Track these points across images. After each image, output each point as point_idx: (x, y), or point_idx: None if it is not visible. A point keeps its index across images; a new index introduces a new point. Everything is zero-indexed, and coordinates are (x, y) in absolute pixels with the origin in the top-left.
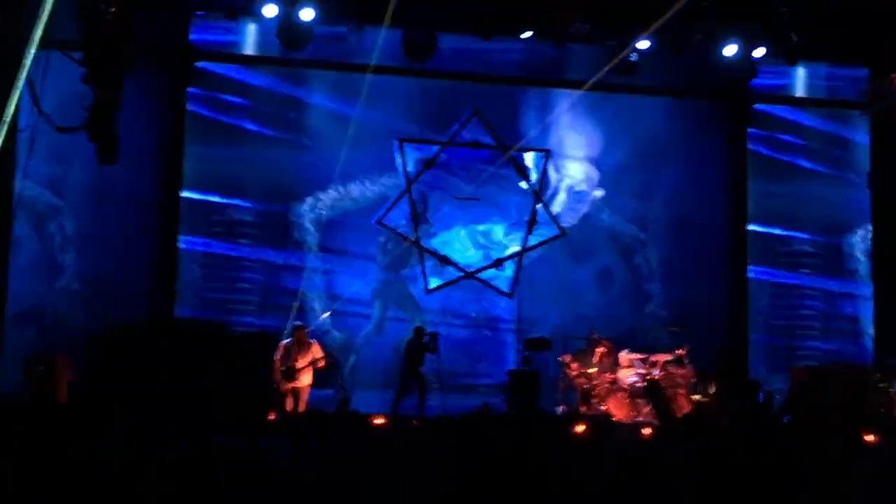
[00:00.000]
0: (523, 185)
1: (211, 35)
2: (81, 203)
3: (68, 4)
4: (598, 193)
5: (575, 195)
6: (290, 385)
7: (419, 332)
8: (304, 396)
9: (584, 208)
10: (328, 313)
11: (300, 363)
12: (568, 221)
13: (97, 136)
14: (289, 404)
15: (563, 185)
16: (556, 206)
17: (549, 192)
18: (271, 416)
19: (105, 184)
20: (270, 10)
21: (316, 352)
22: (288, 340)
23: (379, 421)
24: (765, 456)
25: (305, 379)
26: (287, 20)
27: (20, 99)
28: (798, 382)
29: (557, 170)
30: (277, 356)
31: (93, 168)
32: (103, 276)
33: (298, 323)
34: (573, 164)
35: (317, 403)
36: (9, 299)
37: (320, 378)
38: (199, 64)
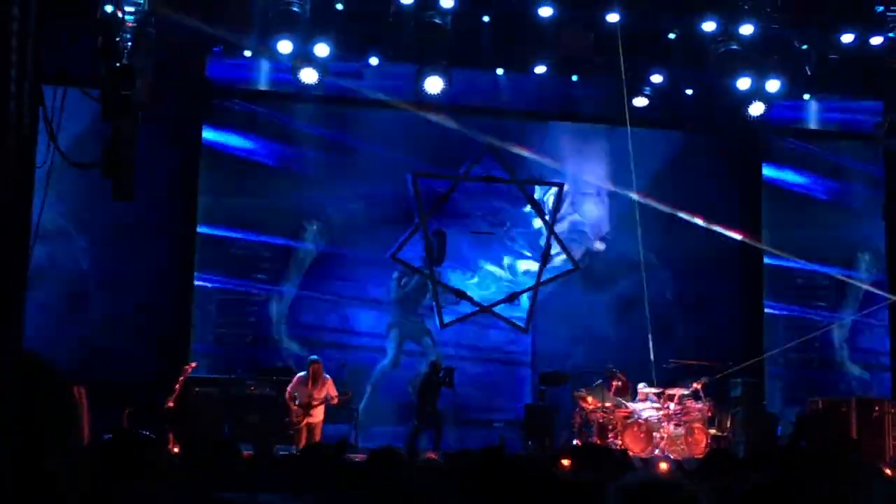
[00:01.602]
0: (537, 219)
1: (227, 71)
2: (98, 239)
3: (86, 41)
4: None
5: (588, 229)
6: (305, 420)
7: (434, 366)
8: (318, 431)
9: (597, 243)
10: (343, 365)
11: (315, 399)
12: (581, 255)
13: (113, 173)
14: (303, 439)
15: (576, 219)
16: (569, 240)
17: (563, 225)
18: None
19: (121, 220)
20: (285, 47)
21: (331, 388)
22: (303, 374)
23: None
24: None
25: (319, 414)
26: (302, 56)
27: (37, 135)
28: (812, 413)
29: (571, 204)
30: (289, 388)
31: (109, 204)
32: (120, 312)
33: (314, 357)
34: (587, 197)
35: (330, 439)
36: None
37: (335, 413)
38: (215, 100)
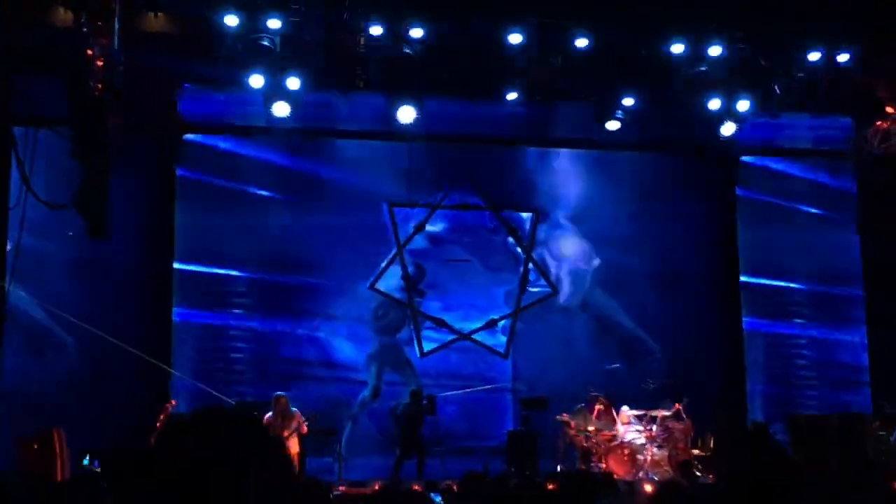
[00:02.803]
0: (513, 245)
1: (199, 106)
2: (74, 277)
3: (55, 81)
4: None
5: (564, 255)
6: None
7: (416, 395)
8: (296, 463)
9: (574, 267)
10: (322, 397)
11: (286, 432)
12: (559, 280)
13: (87, 212)
14: None
15: (551, 244)
16: (547, 265)
17: (539, 251)
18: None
19: (97, 258)
20: (257, 81)
21: (298, 419)
22: (270, 414)
23: None
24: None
25: (294, 446)
26: (274, 90)
27: (10, 175)
28: (794, 429)
29: (546, 229)
30: None
31: (84, 243)
32: (98, 351)
33: (280, 393)
34: (563, 221)
35: (314, 472)
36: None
37: (317, 446)
38: (188, 136)
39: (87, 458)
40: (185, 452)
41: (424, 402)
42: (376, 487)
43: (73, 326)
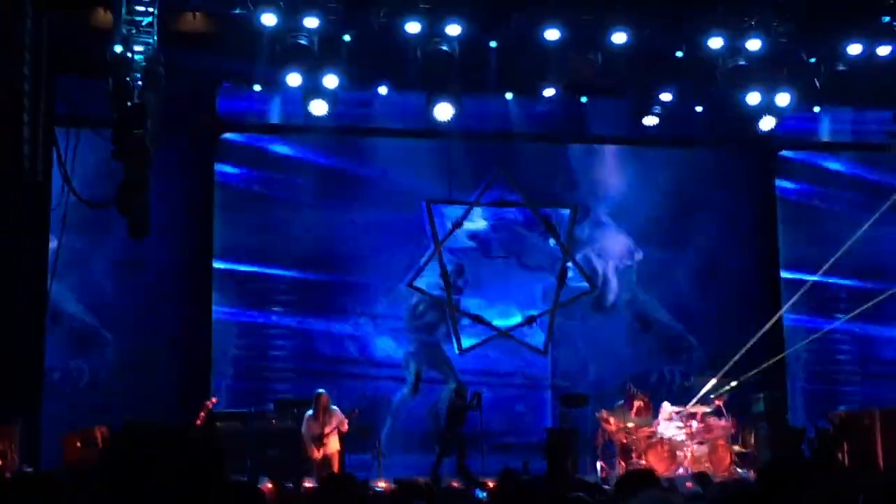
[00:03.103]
0: (552, 241)
1: (237, 105)
2: (115, 276)
3: (97, 82)
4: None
5: (607, 252)
6: (321, 452)
7: (460, 392)
8: (335, 462)
9: (615, 263)
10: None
11: (326, 429)
12: (599, 276)
13: (128, 211)
14: (322, 471)
15: (594, 241)
16: (586, 261)
17: (582, 249)
18: (309, 484)
19: (138, 256)
20: (294, 79)
21: (338, 416)
22: (310, 411)
23: None
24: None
25: (333, 444)
26: (311, 88)
27: (52, 176)
28: (835, 426)
29: (586, 225)
30: (303, 428)
31: (125, 242)
32: (139, 349)
33: (321, 390)
34: (602, 217)
35: (353, 468)
36: (45, 373)
37: (357, 443)
38: (226, 135)
39: None
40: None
41: (469, 398)
42: (420, 482)
43: (114, 325)
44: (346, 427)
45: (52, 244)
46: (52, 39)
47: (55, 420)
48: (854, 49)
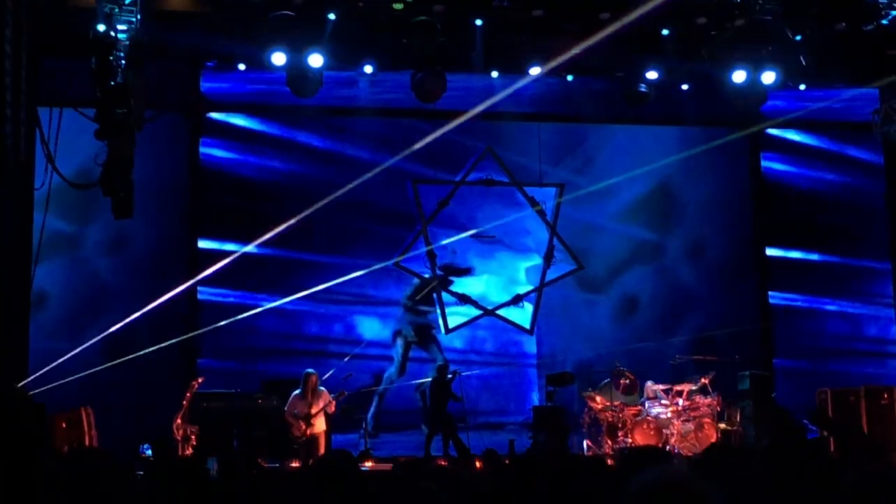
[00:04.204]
0: (538, 220)
1: (222, 84)
2: (99, 257)
3: (80, 61)
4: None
5: (588, 228)
6: (308, 432)
7: (442, 370)
8: (322, 442)
9: (601, 241)
10: (349, 375)
11: (314, 409)
12: (585, 255)
13: (112, 191)
14: (308, 451)
15: (576, 219)
16: (572, 240)
17: (565, 226)
18: (295, 464)
19: (122, 237)
20: (279, 59)
21: (326, 398)
22: (298, 391)
23: None
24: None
25: (320, 425)
26: (296, 67)
27: (35, 156)
28: (820, 404)
29: (571, 203)
30: (287, 407)
31: (110, 222)
32: (124, 330)
33: (310, 370)
34: (588, 196)
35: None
36: (30, 356)
37: (344, 423)
38: (211, 114)
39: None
40: None
41: (450, 376)
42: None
43: (99, 306)
44: (332, 409)
45: (36, 224)
46: (35, 19)
47: (39, 402)
48: (839, 26)
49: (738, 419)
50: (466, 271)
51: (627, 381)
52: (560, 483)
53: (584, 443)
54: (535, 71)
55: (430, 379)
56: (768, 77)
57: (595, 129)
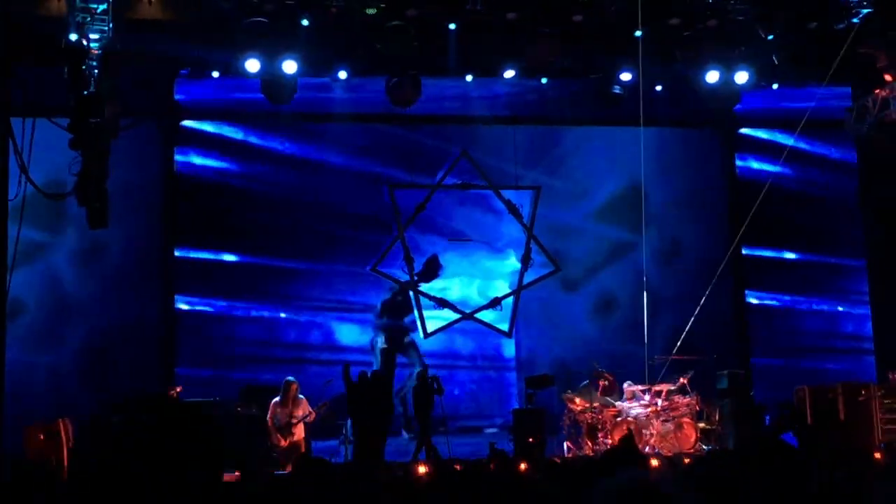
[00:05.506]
0: (515, 223)
1: (196, 92)
2: (75, 267)
3: (53, 71)
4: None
5: (565, 230)
6: (288, 441)
7: (422, 376)
8: (302, 449)
9: (577, 242)
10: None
11: (294, 418)
12: (562, 257)
13: (86, 201)
14: (289, 459)
15: (553, 221)
16: (549, 242)
17: (542, 228)
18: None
19: (98, 247)
20: (253, 66)
21: (305, 407)
22: (277, 399)
23: None
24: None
25: (300, 433)
26: (270, 74)
27: (9, 166)
28: (798, 401)
29: (548, 206)
30: (269, 415)
31: (85, 232)
32: (101, 339)
33: (290, 378)
34: (564, 198)
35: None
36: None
37: (324, 429)
38: (185, 122)
39: None
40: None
41: (430, 382)
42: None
43: (76, 316)
44: (312, 418)
45: (11, 235)
46: (6, 27)
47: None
48: (811, 26)
49: (716, 418)
50: (435, 272)
51: (606, 383)
52: None
53: (565, 444)
54: (509, 74)
55: (410, 386)
56: (741, 77)
57: (570, 132)
